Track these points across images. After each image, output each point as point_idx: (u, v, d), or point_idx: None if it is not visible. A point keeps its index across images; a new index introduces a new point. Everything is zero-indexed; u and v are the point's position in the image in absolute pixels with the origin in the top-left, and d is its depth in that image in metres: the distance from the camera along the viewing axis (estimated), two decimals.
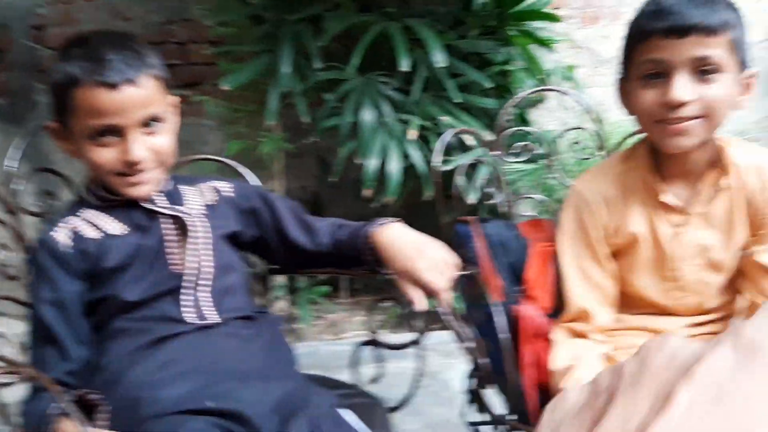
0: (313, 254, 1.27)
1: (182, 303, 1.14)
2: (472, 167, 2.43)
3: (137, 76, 1.11)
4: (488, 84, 2.72)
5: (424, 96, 2.76)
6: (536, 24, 3.05)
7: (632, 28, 1.13)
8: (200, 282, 1.16)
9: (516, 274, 1.26)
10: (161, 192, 1.22)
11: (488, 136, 1.63)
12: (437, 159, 1.41)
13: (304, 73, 2.65)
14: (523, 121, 3.01)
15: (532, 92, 1.69)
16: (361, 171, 2.61)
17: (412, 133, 2.57)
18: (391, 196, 2.54)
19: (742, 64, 1.11)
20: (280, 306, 3.20)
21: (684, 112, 1.07)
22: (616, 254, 1.21)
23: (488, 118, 2.99)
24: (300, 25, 2.64)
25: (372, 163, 2.54)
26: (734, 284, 1.21)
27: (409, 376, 2.71)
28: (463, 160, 1.89)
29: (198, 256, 1.17)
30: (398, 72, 2.57)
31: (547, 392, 1.15)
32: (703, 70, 1.07)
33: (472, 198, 2.61)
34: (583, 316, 1.18)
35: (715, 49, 1.06)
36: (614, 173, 1.22)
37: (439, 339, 2.88)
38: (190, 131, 3.26)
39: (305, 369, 1.34)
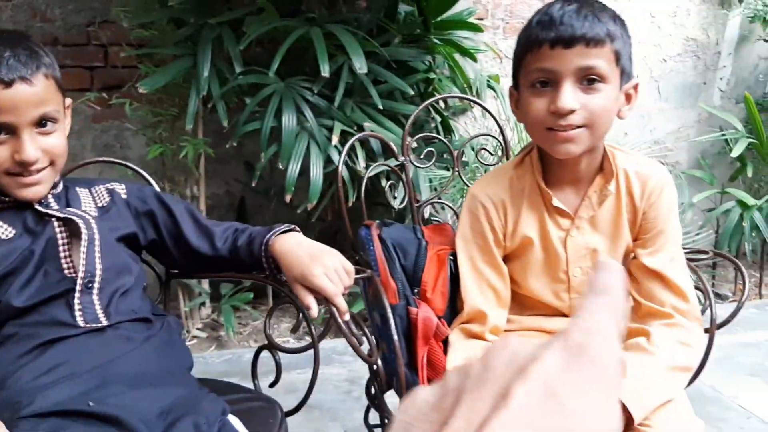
0: (211, 258, 1.27)
1: (75, 306, 1.11)
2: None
3: (31, 74, 1.09)
4: (411, 91, 2.74)
5: (348, 102, 2.78)
6: (461, 33, 3.11)
7: (522, 38, 1.16)
8: (93, 285, 1.14)
9: (414, 277, 1.28)
10: (54, 194, 1.19)
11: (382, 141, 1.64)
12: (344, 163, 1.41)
13: (225, 77, 2.63)
14: (446, 128, 3.05)
15: (438, 99, 1.71)
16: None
17: (336, 139, 2.58)
18: (313, 201, 2.54)
19: (626, 75, 1.15)
20: (205, 313, 3.16)
21: (570, 120, 1.10)
22: (511, 256, 1.24)
23: (412, 125, 3.03)
24: (221, 28, 2.62)
25: (293, 169, 2.53)
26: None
27: (338, 381, 2.71)
28: (376, 167, 1.92)
29: (91, 259, 1.15)
30: (322, 77, 2.57)
31: None
32: (588, 79, 1.10)
33: (395, 203, 2.65)
34: (478, 317, 1.20)
35: (599, 60, 1.09)
36: (508, 178, 1.25)
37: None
38: (112, 134, 3.23)
39: (226, 376, 1.32)
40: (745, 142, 3.48)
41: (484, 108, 1.77)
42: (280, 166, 2.57)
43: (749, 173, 3.58)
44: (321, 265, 1.12)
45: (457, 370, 0.36)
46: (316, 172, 2.57)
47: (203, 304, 3.08)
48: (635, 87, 1.18)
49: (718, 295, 3.59)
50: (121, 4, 2.92)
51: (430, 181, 2.73)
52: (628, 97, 1.18)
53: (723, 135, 3.69)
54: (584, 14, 1.10)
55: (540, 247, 1.21)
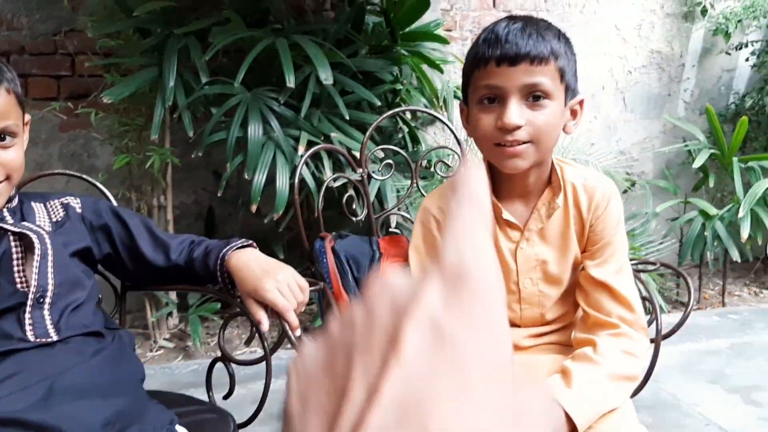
0: (166, 270, 1.27)
1: (25, 321, 1.12)
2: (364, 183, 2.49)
3: None
4: (378, 102, 2.76)
5: (315, 112, 2.79)
6: (428, 45, 3.14)
7: (470, 56, 1.18)
8: (44, 300, 1.14)
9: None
10: (9, 208, 1.19)
11: (346, 152, 1.65)
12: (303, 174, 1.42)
13: (191, 87, 2.63)
14: (414, 139, 3.08)
15: (400, 111, 1.73)
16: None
17: (302, 149, 2.59)
18: (278, 211, 2.55)
19: (571, 91, 1.18)
20: (172, 323, 3.15)
21: (516, 135, 1.12)
22: None
23: (381, 135, 3.06)
24: (187, 38, 2.63)
25: (259, 179, 2.54)
26: (572, 297, 1.28)
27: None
28: (335, 178, 1.94)
29: (43, 274, 1.15)
30: (288, 88, 2.58)
31: None
32: (533, 96, 1.13)
33: (361, 214, 2.66)
34: None
35: (543, 77, 1.12)
36: None
37: None
38: (80, 144, 3.21)
39: (192, 387, 1.32)
40: (707, 153, 3.55)
41: (440, 120, 1.80)
42: (246, 177, 2.58)
43: (711, 184, 3.65)
44: (273, 280, 1.14)
45: (341, 320, 0.35)
46: (282, 182, 2.58)
47: (170, 314, 3.07)
48: (580, 103, 1.20)
49: (681, 303, 3.66)
50: (87, 14, 2.92)
51: (398, 191, 2.75)
52: (574, 113, 1.21)
53: (686, 146, 3.76)
54: (529, 33, 1.12)
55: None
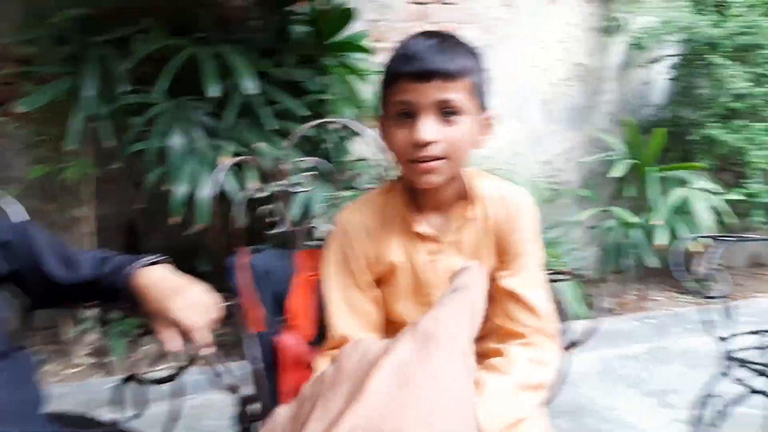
0: (73, 288, 1.23)
1: None
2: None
3: None
4: (304, 112, 2.75)
5: (240, 122, 2.76)
6: (355, 55, 3.15)
7: (385, 71, 1.19)
8: None
9: (280, 304, 1.29)
10: None
11: (269, 162, 1.64)
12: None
13: (110, 96, 2.57)
14: (340, 149, 3.08)
15: (320, 123, 1.73)
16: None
17: (223, 160, 2.55)
18: (201, 223, 2.51)
19: (482, 106, 1.20)
20: (91, 338, 3.05)
21: (429, 151, 1.14)
22: (379, 282, 1.26)
23: (309, 145, 3.04)
24: (106, 47, 2.56)
25: (180, 190, 2.49)
26: (486, 308, 1.30)
27: (225, 407, 2.65)
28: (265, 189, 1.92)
29: None
30: (213, 98, 2.55)
31: None
32: (446, 111, 1.14)
33: (283, 226, 2.64)
34: (343, 343, 1.22)
35: (456, 93, 1.13)
36: (375, 205, 1.27)
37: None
38: None
39: (111, 405, 1.27)
40: (626, 163, 3.67)
41: (354, 132, 1.80)
42: (166, 188, 2.53)
43: (631, 193, 3.78)
44: (181, 299, 1.11)
45: (312, 380, 0.37)
46: (204, 193, 2.54)
47: (88, 330, 2.97)
48: (492, 117, 1.23)
49: (606, 310, 3.76)
50: (3, 19, 2.81)
51: (326, 201, 2.74)
52: (486, 127, 1.23)
53: (606, 156, 3.88)
54: (441, 49, 1.14)
55: (407, 271, 1.24)
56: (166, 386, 1.33)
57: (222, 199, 2.67)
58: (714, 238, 1.85)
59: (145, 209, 2.86)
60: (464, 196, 1.26)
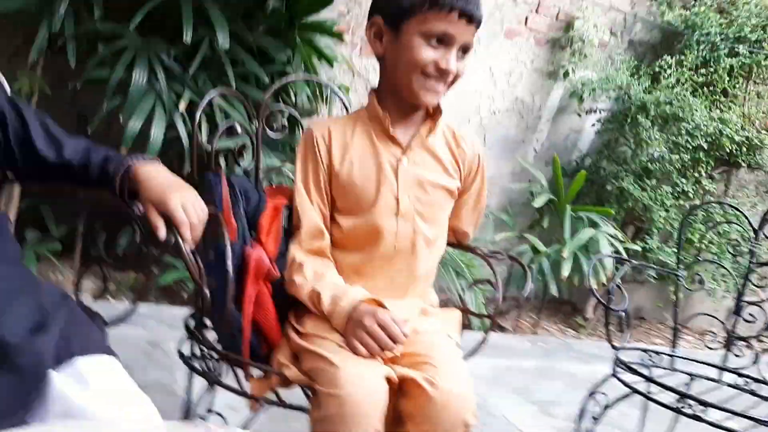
0: (56, 168, 1.27)
1: None
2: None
3: None
4: (266, 79, 2.84)
5: (203, 75, 2.81)
6: (323, 39, 3.26)
7: None
8: None
9: (252, 221, 1.38)
10: None
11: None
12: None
13: (82, 18, 2.57)
14: (293, 126, 3.17)
15: (288, 81, 1.82)
16: (121, 132, 2.58)
17: (183, 105, 2.61)
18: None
19: None
20: None
21: (446, 78, 1.30)
22: (346, 182, 1.35)
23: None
24: None
25: (135, 124, 2.52)
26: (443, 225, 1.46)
27: (137, 342, 2.67)
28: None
29: None
30: (182, 45, 2.59)
31: (259, 328, 1.28)
32: (463, 50, 1.31)
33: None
34: (317, 234, 1.33)
35: (473, 38, 1.32)
36: (343, 119, 1.42)
37: (169, 312, 2.89)
38: None
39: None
40: (546, 197, 3.94)
41: (339, 98, 1.92)
42: (121, 119, 2.55)
43: (545, 224, 4.05)
44: (179, 195, 1.19)
45: None
46: (157, 132, 2.58)
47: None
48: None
49: (501, 328, 3.99)
50: None
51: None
52: None
53: (529, 188, 4.14)
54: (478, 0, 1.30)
55: (375, 172, 1.35)
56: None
57: (173, 145, 2.73)
58: (616, 260, 2.07)
59: (91, 138, 2.84)
60: (431, 116, 1.40)
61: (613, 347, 1.93)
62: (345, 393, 1.11)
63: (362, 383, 1.13)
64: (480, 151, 1.47)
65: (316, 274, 1.29)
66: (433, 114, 1.40)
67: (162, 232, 1.17)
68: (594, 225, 3.92)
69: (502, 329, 3.97)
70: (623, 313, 1.99)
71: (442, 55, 1.29)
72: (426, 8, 1.28)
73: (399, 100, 1.36)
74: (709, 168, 4.25)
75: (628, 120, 4.15)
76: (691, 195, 4.20)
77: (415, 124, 1.39)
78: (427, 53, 1.29)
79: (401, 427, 1.19)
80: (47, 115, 1.32)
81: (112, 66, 2.57)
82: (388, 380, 1.17)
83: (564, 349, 3.79)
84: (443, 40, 1.29)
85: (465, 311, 1.54)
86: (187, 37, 2.52)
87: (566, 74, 4.31)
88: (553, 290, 3.75)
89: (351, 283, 1.32)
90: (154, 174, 1.23)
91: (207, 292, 1.28)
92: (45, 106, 2.92)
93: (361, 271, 1.36)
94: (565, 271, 3.60)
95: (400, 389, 1.19)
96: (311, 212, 1.34)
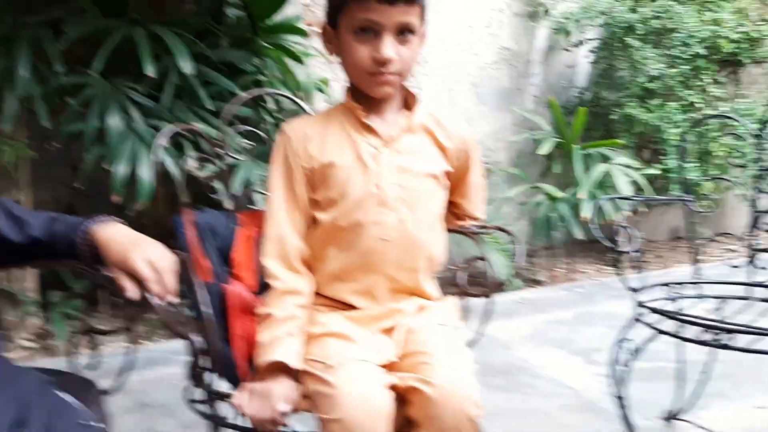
0: (23, 247, 1.27)
1: None
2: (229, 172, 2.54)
3: None
4: (240, 93, 2.81)
5: (178, 103, 2.80)
6: (291, 38, 3.22)
7: None
8: None
9: (225, 257, 1.37)
10: None
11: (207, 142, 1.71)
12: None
13: (45, 77, 2.57)
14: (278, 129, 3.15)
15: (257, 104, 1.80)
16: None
17: (163, 139, 2.59)
18: (144, 200, 2.54)
19: (424, 24, 1.32)
20: (33, 323, 3.04)
21: (389, 67, 1.25)
22: (326, 176, 1.31)
23: (247, 125, 3.10)
24: (40, 27, 2.56)
25: (120, 169, 2.52)
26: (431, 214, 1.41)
27: (175, 381, 2.70)
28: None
29: None
30: (149, 79, 2.58)
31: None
32: (403, 32, 1.25)
33: (228, 203, 2.71)
34: (282, 240, 1.30)
35: (413, 17, 1.26)
36: (318, 116, 1.39)
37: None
38: None
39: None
40: (552, 142, 3.86)
41: (302, 108, 1.89)
42: (106, 168, 2.55)
43: (557, 169, 3.97)
44: (141, 251, 1.17)
45: None
46: (145, 172, 2.57)
47: (30, 312, 2.97)
48: (425, 34, 1.34)
49: (535, 282, 3.95)
50: None
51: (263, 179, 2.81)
52: (423, 43, 1.34)
53: (533, 135, 4.06)
54: None
55: (354, 162, 1.31)
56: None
57: (162, 178, 2.73)
58: (626, 198, 2.01)
59: (84, 191, 2.87)
60: (405, 106, 1.36)
61: (631, 290, 1.88)
62: (346, 416, 1.09)
63: (363, 402, 1.11)
64: (465, 131, 1.43)
65: (284, 295, 1.27)
66: (410, 101, 1.36)
67: (130, 292, 1.16)
68: (606, 159, 3.83)
69: (537, 283, 3.93)
70: (636, 253, 1.93)
71: (375, 46, 1.25)
72: (348, 3, 1.25)
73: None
74: (712, 74, 4.11)
75: (619, 44, 4.02)
76: (700, 105, 4.07)
77: (393, 113, 1.36)
78: (361, 51, 1.25)
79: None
80: (5, 197, 1.32)
81: (86, 116, 2.57)
82: (393, 388, 1.15)
83: (602, 289, 3.73)
84: (371, 29, 1.25)
85: (462, 293, 1.50)
86: (149, 71, 2.50)
87: (546, 11, 4.20)
88: (577, 234, 3.68)
89: (336, 291, 1.30)
90: (113, 234, 1.22)
91: (195, 338, 1.28)
92: (38, 168, 2.95)
93: (343, 277, 1.32)
94: (584, 212, 3.53)
95: (403, 398, 1.17)
96: (279, 216, 1.31)
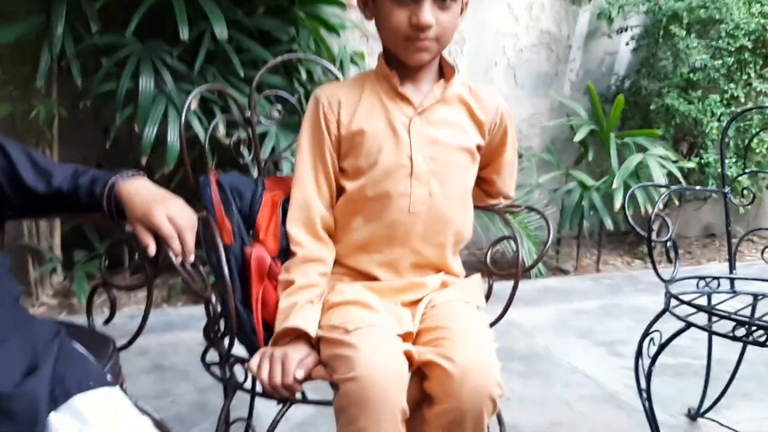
0: (48, 198, 1.26)
1: None
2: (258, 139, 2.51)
3: None
4: (274, 60, 2.77)
5: (210, 69, 2.78)
6: (327, 9, 3.18)
7: None
8: None
9: (249, 220, 1.34)
10: None
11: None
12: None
13: (80, 35, 2.56)
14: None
15: (289, 57, 1.76)
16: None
17: (194, 104, 2.58)
18: (170, 165, 2.53)
19: None
20: (56, 281, 3.07)
21: (427, 33, 1.22)
22: (355, 144, 1.29)
23: (277, 96, 3.07)
24: None
25: (150, 132, 2.51)
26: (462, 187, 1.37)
27: (193, 345, 2.71)
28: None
29: None
30: (182, 42, 2.56)
31: (270, 327, 1.24)
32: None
33: (254, 170, 2.69)
34: (307, 206, 1.28)
35: None
36: (352, 81, 1.35)
37: None
38: None
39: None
40: (588, 129, 3.77)
41: (336, 77, 1.85)
42: (136, 129, 2.55)
43: (591, 158, 3.89)
44: (163, 207, 1.16)
45: None
46: (174, 136, 2.56)
47: (54, 270, 2.99)
48: (467, 2, 1.29)
49: (560, 270, 3.89)
50: None
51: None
52: (464, 11, 1.30)
53: (569, 122, 3.97)
54: None
55: (386, 131, 1.28)
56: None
57: (190, 143, 2.71)
58: (662, 186, 1.94)
59: (112, 152, 2.87)
60: (443, 74, 1.32)
61: (663, 281, 1.82)
62: (364, 374, 1.06)
63: (381, 362, 1.08)
64: (502, 104, 1.38)
65: (306, 263, 1.25)
66: (446, 71, 1.32)
67: (152, 248, 1.14)
68: (642, 149, 3.74)
69: (563, 272, 3.86)
70: (670, 243, 1.87)
71: (413, 10, 1.21)
72: None
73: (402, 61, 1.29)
74: (757, 68, 3.98)
75: (662, 32, 3.91)
76: (742, 99, 3.94)
77: (428, 83, 1.32)
78: (398, 15, 1.22)
79: (427, 407, 1.14)
80: (32, 148, 1.31)
81: (119, 77, 2.56)
82: (409, 357, 1.12)
83: (629, 282, 3.65)
84: None
85: (490, 272, 1.46)
86: (185, 34, 2.48)
87: None
88: (609, 224, 3.60)
89: (359, 262, 1.28)
90: (137, 190, 1.20)
91: (213, 298, 1.26)
92: (68, 127, 2.95)
93: (368, 248, 1.30)
94: (618, 202, 3.45)
95: (421, 372, 1.14)
96: (308, 183, 1.29)
